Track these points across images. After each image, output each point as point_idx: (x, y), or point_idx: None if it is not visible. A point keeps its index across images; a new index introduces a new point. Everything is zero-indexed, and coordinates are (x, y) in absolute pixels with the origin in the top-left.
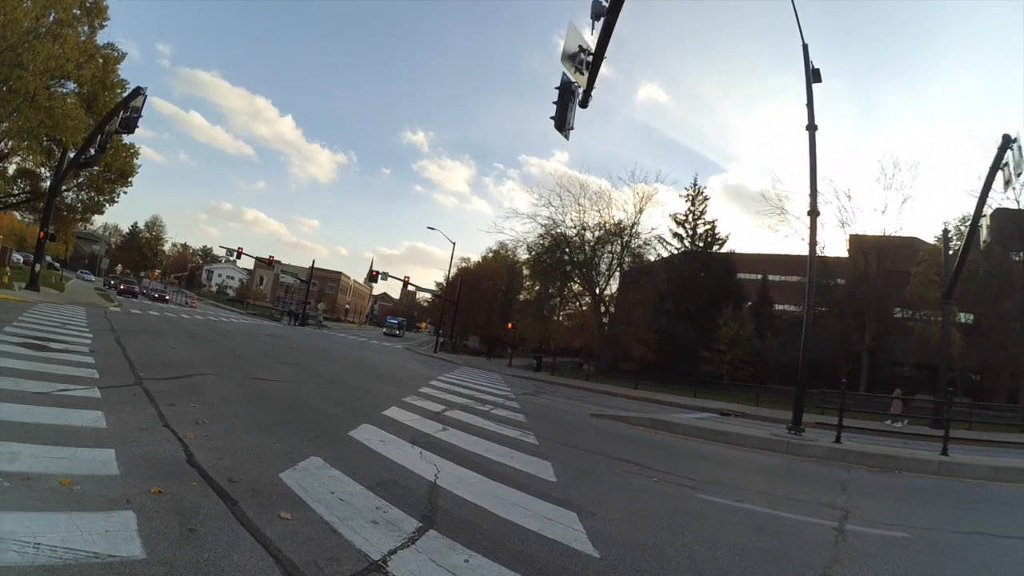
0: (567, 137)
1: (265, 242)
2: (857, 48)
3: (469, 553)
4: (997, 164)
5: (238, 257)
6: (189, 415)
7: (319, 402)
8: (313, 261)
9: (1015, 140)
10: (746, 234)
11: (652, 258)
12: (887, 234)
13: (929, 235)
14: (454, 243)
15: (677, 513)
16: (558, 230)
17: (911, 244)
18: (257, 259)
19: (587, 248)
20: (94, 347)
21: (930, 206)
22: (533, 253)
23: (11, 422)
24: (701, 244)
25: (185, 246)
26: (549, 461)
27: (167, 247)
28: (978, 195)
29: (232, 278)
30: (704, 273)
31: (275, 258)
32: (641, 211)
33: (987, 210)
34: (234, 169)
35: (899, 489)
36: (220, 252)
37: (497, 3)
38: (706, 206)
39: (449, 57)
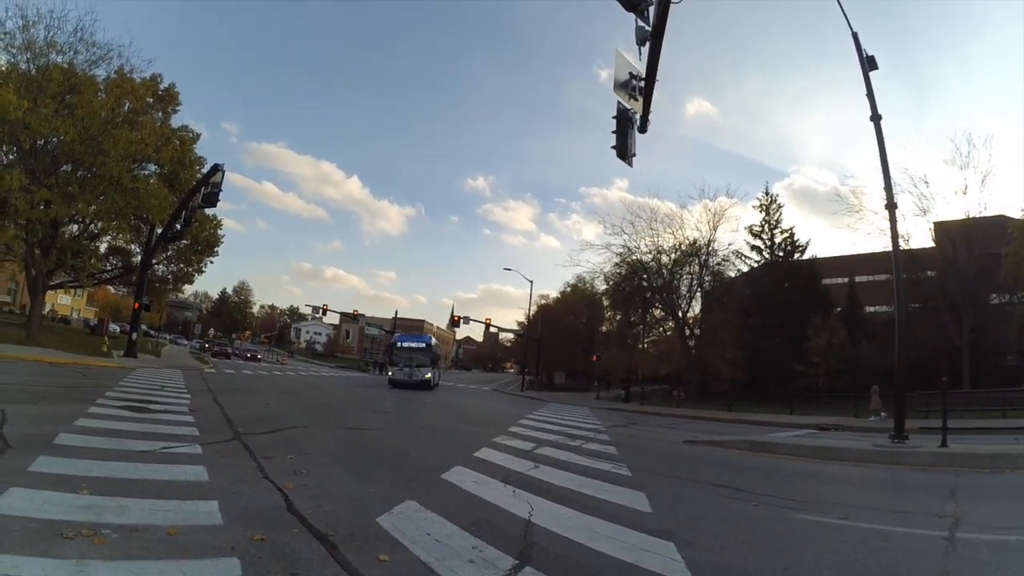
0: (630, 164)
1: (346, 297)
2: (895, 25)
3: None
4: None
5: (324, 314)
6: (287, 466)
7: (411, 447)
8: (396, 312)
9: None
10: (825, 237)
11: (732, 274)
12: (971, 216)
13: (1017, 210)
14: (531, 281)
15: (778, 536)
16: (633, 257)
17: (998, 223)
18: (343, 314)
19: (665, 272)
20: (192, 406)
21: (1015, 178)
22: (611, 283)
23: (118, 479)
24: (781, 254)
25: (272, 307)
26: (643, 492)
27: (255, 309)
28: None
29: (319, 334)
30: (788, 283)
31: (359, 311)
32: (715, 228)
33: None
34: (310, 231)
35: (1011, 489)
36: (306, 311)
37: (531, 42)
38: (781, 214)
39: (496, 102)
